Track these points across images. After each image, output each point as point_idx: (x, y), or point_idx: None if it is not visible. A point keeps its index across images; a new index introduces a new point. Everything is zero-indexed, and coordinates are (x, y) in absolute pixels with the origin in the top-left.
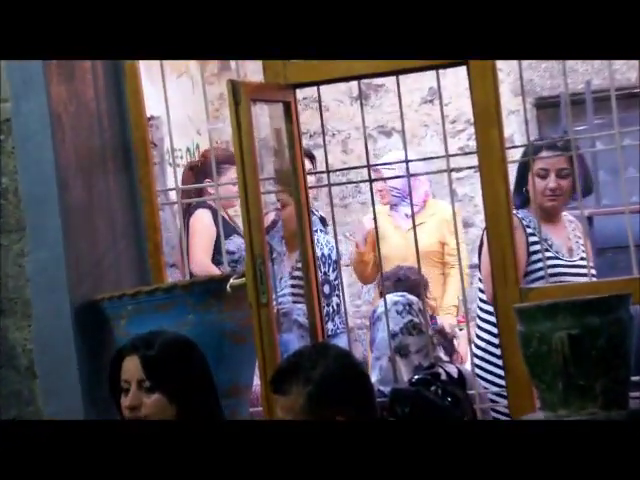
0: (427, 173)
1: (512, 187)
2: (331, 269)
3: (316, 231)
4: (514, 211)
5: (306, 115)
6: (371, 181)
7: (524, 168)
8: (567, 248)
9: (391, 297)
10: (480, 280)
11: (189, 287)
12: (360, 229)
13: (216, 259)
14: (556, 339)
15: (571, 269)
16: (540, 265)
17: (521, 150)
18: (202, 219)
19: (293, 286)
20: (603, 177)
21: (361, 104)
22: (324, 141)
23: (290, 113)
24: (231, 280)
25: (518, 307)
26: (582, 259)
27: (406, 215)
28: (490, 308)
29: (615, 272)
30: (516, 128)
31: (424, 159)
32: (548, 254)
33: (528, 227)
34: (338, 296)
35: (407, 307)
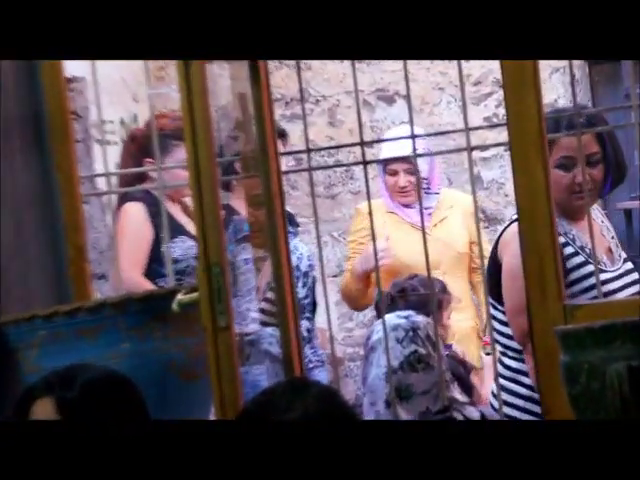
0: (441, 152)
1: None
2: (300, 284)
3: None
4: None
5: (280, 76)
6: (365, 163)
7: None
8: (605, 252)
9: (390, 319)
10: (492, 293)
11: (123, 305)
12: (365, 259)
13: (154, 270)
14: (612, 372)
15: (618, 281)
16: (577, 275)
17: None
18: (131, 216)
19: (263, 308)
20: None
21: (352, 60)
22: (303, 110)
23: (258, 73)
24: (179, 296)
25: (562, 330)
26: (627, 265)
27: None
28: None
29: None
30: (562, 91)
31: (436, 133)
32: (582, 260)
33: (559, 235)
34: (309, 319)
35: (411, 333)
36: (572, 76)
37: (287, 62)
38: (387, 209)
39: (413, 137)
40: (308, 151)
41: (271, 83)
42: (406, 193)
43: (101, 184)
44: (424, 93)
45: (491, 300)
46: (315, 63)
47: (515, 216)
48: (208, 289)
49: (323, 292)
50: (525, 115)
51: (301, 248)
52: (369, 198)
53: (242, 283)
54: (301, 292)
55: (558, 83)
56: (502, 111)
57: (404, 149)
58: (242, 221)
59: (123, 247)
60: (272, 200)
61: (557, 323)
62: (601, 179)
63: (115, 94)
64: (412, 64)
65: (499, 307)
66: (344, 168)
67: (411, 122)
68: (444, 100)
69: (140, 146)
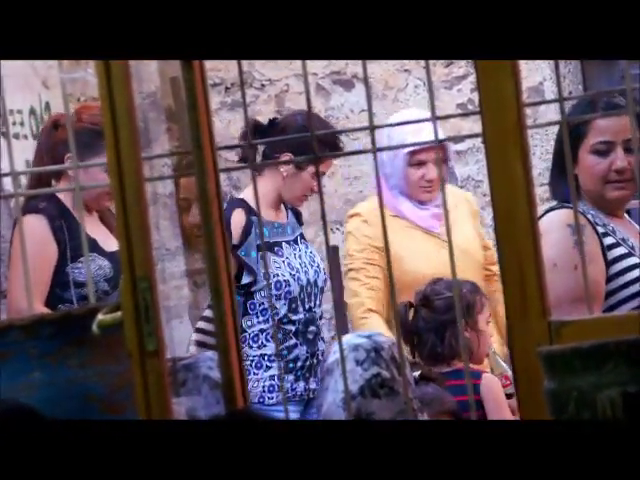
0: (405, 145)
1: (551, 168)
2: (317, 302)
3: (291, 242)
4: (561, 204)
5: None
6: (317, 158)
7: (575, 138)
8: None
9: (350, 339)
10: None
11: (33, 328)
12: None
13: (57, 296)
14: (604, 400)
15: None
16: (620, 267)
17: (554, 108)
18: (30, 233)
19: (201, 328)
20: None
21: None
22: (243, 97)
23: None
24: (99, 316)
25: (546, 351)
26: None
27: (435, 213)
28: None
29: None
30: (549, 73)
31: (400, 123)
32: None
33: (598, 225)
34: (308, 344)
35: (373, 354)
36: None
37: None
38: (391, 212)
39: (372, 128)
40: (250, 145)
41: (208, 66)
42: (431, 188)
43: (7, 185)
44: (387, 76)
45: None
46: None
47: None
48: (134, 307)
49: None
50: (502, 102)
51: (317, 259)
52: (322, 200)
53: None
54: (317, 312)
55: (544, 64)
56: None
57: (429, 135)
58: (262, 223)
59: (16, 272)
60: (208, 203)
61: (541, 343)
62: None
63: (22, 78)
64: None
65: None
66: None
67: (370, 110)
68: (410, 84)
69: (63, 138)
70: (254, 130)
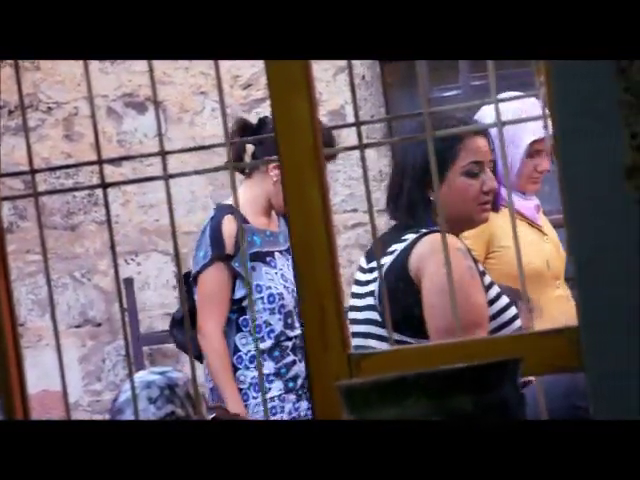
0: (200, 172)
1: (395, 192)
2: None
3: (283, 251)
4: (429, 229)
5: (2, 78)
6: (104, 186)
7: (444, 159)
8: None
9: (142, 375)
10: None
11: None
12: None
13: None
14: None
15: None
16: (501, 305)
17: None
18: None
19: None
20: None
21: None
22: (24, 122)
23: None
24: None
25: (345, 385)
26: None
27: (536, 204)
28: None
29: None
30: (349, 97)
31: (195, 148)
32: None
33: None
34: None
35: (167, 391)
36: (351, 77)
37: (9, 61)
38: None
39: (164, 154)
40: (32, 172)
41: None
42: (539, 179)
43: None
44: (182, 99)
45: (400, 336)
46: (45, 62)
47: (425, 230)
48: None
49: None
50: (296, 126)
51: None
52: (110, 227)
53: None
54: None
55: (344, 86)
56: None
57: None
58: (254, 231)
59: None
60: None
61: (340, 377)
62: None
63: None
64: (166, 63)
65: (410, 340)
66: (86, 192)
67: (160, 136)
68: (207, 107)
69: None
70: (243, 129)
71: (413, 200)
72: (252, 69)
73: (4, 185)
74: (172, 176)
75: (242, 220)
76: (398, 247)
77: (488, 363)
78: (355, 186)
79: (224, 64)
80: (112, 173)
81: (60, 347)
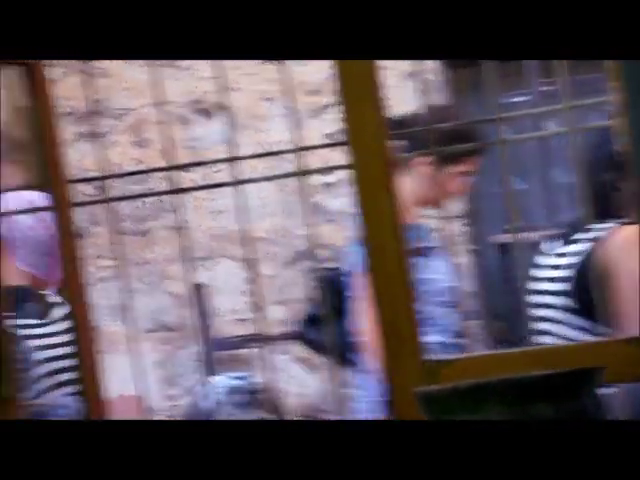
0: (269, 178)
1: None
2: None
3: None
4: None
5: (70, 84)
6: (175, 192)
7: None
8: None
9: (223, 381)
10: None
11: None
12: None
13: None
14: None
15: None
16: None
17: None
18: None
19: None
20: (561, 179)
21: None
22: (94, 128)
23: (34, 81)
24: None
25: (422, 392)
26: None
27: None
28: None
29: None
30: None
31: (262, 155)
32: None
33: None
34: None
35: (251, 396)
36: (421, 84)
37: (79, 67)
38: None
39: (233, 160)
40: (104, 178)
41: (58, 94)
42: None
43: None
44: (251, 105)
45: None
46: (114, 68)
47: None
48: None
49: None
50: (366, 132)
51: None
52: (182, 233)
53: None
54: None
55: (413, 92)
56: None
57: None
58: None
59: None
60: (63, 239)
61: (417, 384)
62: None
63: None
64: (234, 69)
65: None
66: (156, 198)
67: (229, 142)
68: (275, 113)
69: None
70: (401, 122)
71: (603, 190)
72: (319, 75)
73: (76, 191)
74: (242, 182)
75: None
76: (584, 236)
77: (568, 371)
78: None
79: (292, 70)
80: (182, 179)
81: (136, 352)
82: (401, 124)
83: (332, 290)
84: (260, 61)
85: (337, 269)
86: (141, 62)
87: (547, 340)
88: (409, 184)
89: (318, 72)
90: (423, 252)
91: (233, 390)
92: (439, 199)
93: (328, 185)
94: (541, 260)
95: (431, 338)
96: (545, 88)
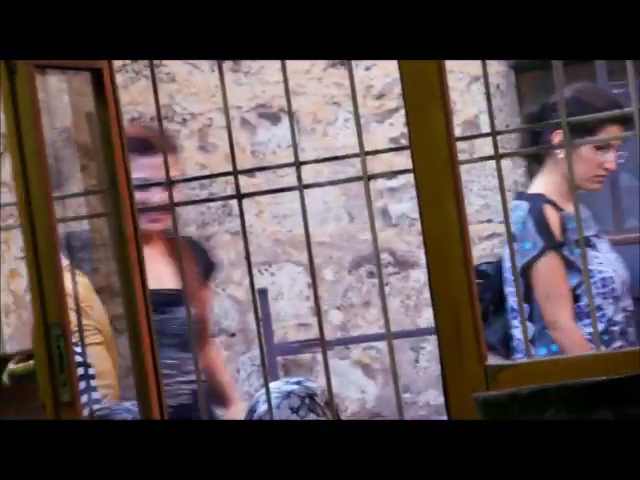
0: (334, 182)
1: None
2: (630, 300)
3: (597, 235)
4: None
5: (137, 89)
6: (239, 197)
7: None
8: None
9: (279, 385)
10: None
11: None
12: None
13: None
14: None
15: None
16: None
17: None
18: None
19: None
20: (626, 183)
21: (220, 70)
22: (161, 132)
23: (102, 86)
24: (10, 365)
25: (483, 397)
26: None
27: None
28: None
29: None
30: (484, 106)
31: (326, 159)
32: None
33: None
34: None
35: (308, 400)
36: (487, 86)
37: (146, 73)
38: None
39: (298, 164)
40: (170, 183)
41: (126, 99)
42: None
43: None
44: (316, 109)
45: None
46: (181, 73)
47: None
48: (47, 356)
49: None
50: (432, 136)
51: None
52: (245, 238)
53: None
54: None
55: (479, 95)
56: None
57: None
58: (570, 217)
59: None
60: (125, 245)
61: (477, 389)
62: None
63: None
64: (300, 74)
65: None
66: (220, 203)
67: (295, 147)
68: (340, 117)
69: None
70: (550, 109)
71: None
72: (385, 79)
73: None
74: (307, 186)
75: (558, 208)
76: None
77: (631, 376)
78: (490, 197)
79: (357, 74)
80: (246, 184)
81: (197, 356)
82: (553, 109)
83: (492, 287)
84: (326, 65)
85: (495, 265)
86: (207, 67)
87: None
88: (557, 175)
89: (384, 76)
90: (587, 242)
91: (289, 394)
92: (595, 181)
93: (392, 190)
94: None
95: (590, 329)
96: (615, 91)
